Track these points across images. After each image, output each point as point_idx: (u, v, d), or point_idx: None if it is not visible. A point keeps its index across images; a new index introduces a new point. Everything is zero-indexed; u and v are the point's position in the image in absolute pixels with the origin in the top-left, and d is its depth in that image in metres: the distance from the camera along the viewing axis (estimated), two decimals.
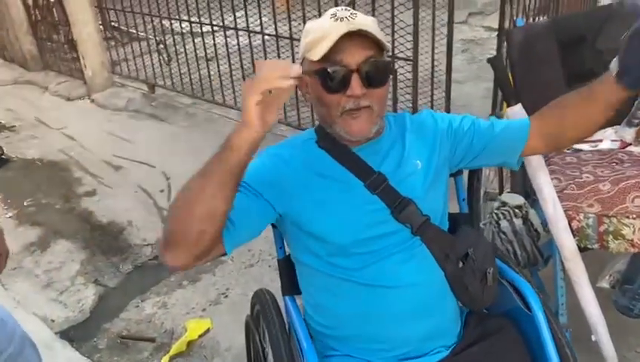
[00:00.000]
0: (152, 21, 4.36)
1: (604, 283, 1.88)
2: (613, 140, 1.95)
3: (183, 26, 4.15)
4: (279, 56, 3.39)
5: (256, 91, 0.90)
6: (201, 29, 3.95)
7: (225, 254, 1.04)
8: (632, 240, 1.52)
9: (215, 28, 3.84)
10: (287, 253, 1.30)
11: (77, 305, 2.29)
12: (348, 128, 1.09)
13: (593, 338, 1.60)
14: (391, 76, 2.79)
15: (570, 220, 1.56)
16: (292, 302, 1.28)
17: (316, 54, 1.04)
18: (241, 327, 1.54)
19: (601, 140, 1.96)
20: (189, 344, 2.04)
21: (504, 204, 1.74)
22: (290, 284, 1.29)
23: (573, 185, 1.63)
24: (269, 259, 2.45)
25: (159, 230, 2.74)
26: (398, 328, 1.12)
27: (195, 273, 2.44)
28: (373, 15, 2.69)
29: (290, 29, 3.19)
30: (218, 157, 0.94)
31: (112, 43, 4.97)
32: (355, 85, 1.04)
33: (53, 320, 2.21)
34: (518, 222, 1.76)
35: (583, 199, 1.58)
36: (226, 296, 2.29)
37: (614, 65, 0.98)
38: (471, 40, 5.45)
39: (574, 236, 1.56)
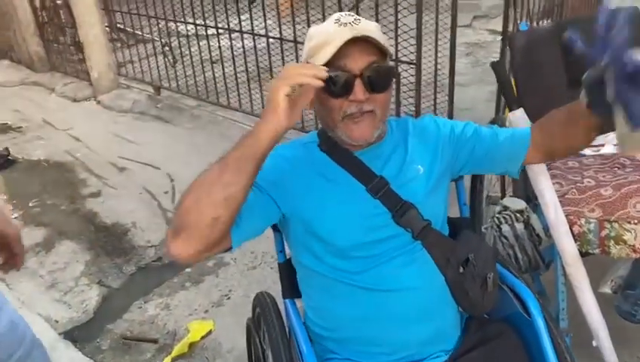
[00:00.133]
0: (158, 23, 4.39)
1: (606, 289, 1.87)
2: (615, 145, 1.95)
3: (189, 28, 4.18)
4: (283, 59, 3.40)
5: (287, 83, 0.93)
6: (206, 31, 3.97)
7: (229, 249, 1.05)
8: (633, 245, 1.52)
9: (220, 31, 3.86)
10: (287, 257, 1.31)
11: (81, 305, 2.31)
12: (349, 132, 1.10)
13: (594, 343, 1.60)
14: (394, 80, 2.80)
15: (571, 225, 1.56)
16: (292, 305, 1.29)
17: (320, 59, 1.05)
18: (243, 329, 1.55)
19: (603, 145, 1.95)
20: (191, 345, 2.04)
21: (506, 208, 1.74)
22: (291, 287, 1.29)
23: (574, 190, 1.63)
24: (271, 261, 2.46)
25: (164, 231, 2.76)
26: (398, 332, 1.13)
27: (198, 275, 2.46)
28: (376, 19, 2.70)
29: (294, 32, 3.21)
30: (241, 145, 0.96)
31: (118, 45, 5.00)
32: (358, 90, 1.05)
33: (57, 321, 2.23)
34: (519, 226, 1.76)
35: (585, 204, 1.58)
36: (229, 298, 2.30)
37: (583, 96, 0.98)
38: (475, 43, 5.46)
39: (575, 241, 1.56)
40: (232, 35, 3.77)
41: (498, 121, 1.96)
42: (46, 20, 5.24)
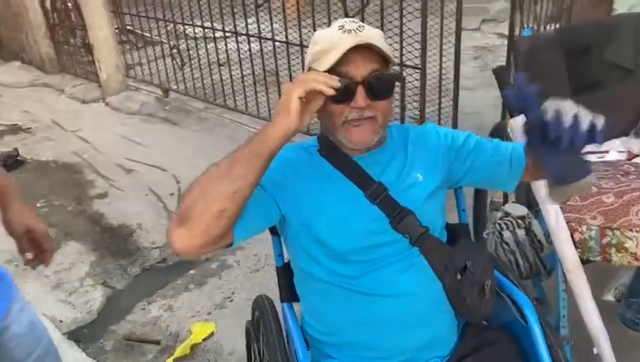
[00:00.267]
0: (167, 26, 4.42)
1: (610, 297, 1.86)
2: (620, 151, 1.94)
3: (197, 31, 4.20)
4: (289, 63, 3.42)
5: (302, 87, 0.97)
6: (213, 34, 4.00)
7: (231, 244, 1.06)
8: (635, 253, 1.51)
9: (227, 34, 3.88)
10: (285, 261, 1.32)
11: (85, 306, 2.33)
12: (350, 136, 1.11)
13: (595, 351, 1.59)
14: (398, 85, 2.80)
15: (572, 232, 1.56)
16: (290, 308, 1.29)
17: (323, 65, 1.06)
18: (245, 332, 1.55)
19: (607, 151, 1.95)
20: (193, 347, 2.06)
21: (507, 214, 1.74)
22: (289, 291, 1.30)
23: (576, 197, 1.63)
24: (274, 265, 2.46)
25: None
26: (394, 337, 1.13)
27: (202, 277, 2.47)
28: (382, 23, 2.70)
29: (300, 35, 3.22)
30: (252, 141, 0.99)
31: (127, 47, 5.04)
32: (360, 97, 1.06)
33: (61, 321, 2.25)
34: (520, 232, 1.76)
35: (586, 211, 1.58)
36: (231, 300, 2.32)
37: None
38: (483, 47, 5.44)
39: (577, 248, 1.55)
40: (239, 38, 3.79)
41: (502, 126, 1.96)
42: (57, 22, 5.29)
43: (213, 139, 3.84)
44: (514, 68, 1.95)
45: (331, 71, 1.04)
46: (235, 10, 3.68)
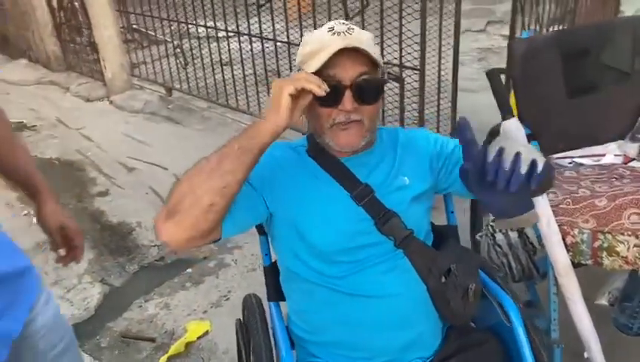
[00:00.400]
0: (170, 25, 4.45)
1: (603, 301, 1.85)
2: (616, 155, 1.93)
3: (200, 30, 4.22)
4: (290, 63, 3.43)
5: (293, 84, 0.97)
6: (216, 34, 4.02)
7: (218, 240, 1.06)
8: (626, 257, 1.50)
9: (230, 34, 3.90)
10: (273, 260, 1.32)
11: (82, 303, 2.35)
12: (337, 139, 1.12)
13: (586, 355, 1.59)
14: (397, 86, 2.80)
15: (564, 235, 1.55)
16: (276, 308, 1.30)
17: (311, 67, 1.06)
18: None
19: (604, 155, 1.94)
20: (188, 345, 2.07)
21: None
22: (276, 290, 1.31)
23: (569, 200, 1.62)
24: None
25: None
26: (378, 337, 1.14)
27: (199, 275, 2.49)
28: (381, 24, 2.70)
29: (301, 36, 3.21)
30: (242, 137, 1.00)
31: (132, 46, 5.07)
32: (347, 101, 1.06)
33: None
34: (513, 235, 1.75)
35: (579, 214, 1.57)
36: (227, 299, 2.33)
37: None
38: (488, 48, 5.42)
39: (568, 251, 1.55)
40: (241, 38, 3.81)
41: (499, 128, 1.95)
42: (63, 21, 5.34)
43: (215, 138, 3.84)
44: (510, 70, 1.95)
45: (319, 73, 1.05)
46: (238, 10, 3.70)
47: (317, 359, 1.20)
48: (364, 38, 1.09)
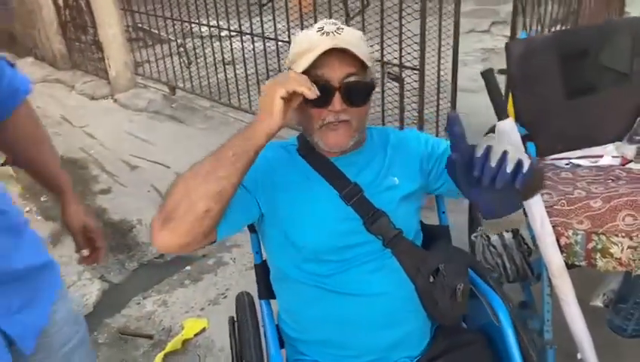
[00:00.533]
0: (174, 24, 4.47)
1: (598, 302, 1.85)
2: (614, 156, 1.92)
3: (203, 30, 4.24)
4: None
5: (285, 86, 0.97)
6: (219, 33, 4.03)
7: (213, 242, 1.07)
8: (620, 258, 1.50)
9: (232, 33, 3.91)
10: (264, 258, 1.33)
11: (81, 299, 2.37)
12: (326, 139, 1.12)
13: (579, 356, 1.59)
14: (397, 85, 2.80)
15: (558, 236, 1.55)
16: (267, 306, 1.31)
17: (300, 66, 1.07)
18: None
19: (601, 156, 1.93)
20: (185, 342, 2.08)
21: None
22: (266, 288, 1.32)
23: (564, 201, 1.62)
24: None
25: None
26: (365, 336, 1.14)
27: (198, 273, 2.50)
28: (381, 24, 2.71)
29: None
30: (236, 140, 0.99)
31: (136, 45, 5.10)
32: (336, 102, 1.07)
33: None
34: (507, 236, 1.76)
35: (573, 215, 1.57)
36: (225, 297, 2.34)
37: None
38: (491, 49, 5.40)
39: (562, 252, 1.55)
40: (244, 38, 3.82)
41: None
42: (69, 19, 5.37)
43: (218, 137, 3.81)
44: (508, 71, 1.95)
45: (308, 72, 1.05)
46: (240, 10, 3.71)
47: (306, 357, 1.21)
48: (353, 39, 1.09)
